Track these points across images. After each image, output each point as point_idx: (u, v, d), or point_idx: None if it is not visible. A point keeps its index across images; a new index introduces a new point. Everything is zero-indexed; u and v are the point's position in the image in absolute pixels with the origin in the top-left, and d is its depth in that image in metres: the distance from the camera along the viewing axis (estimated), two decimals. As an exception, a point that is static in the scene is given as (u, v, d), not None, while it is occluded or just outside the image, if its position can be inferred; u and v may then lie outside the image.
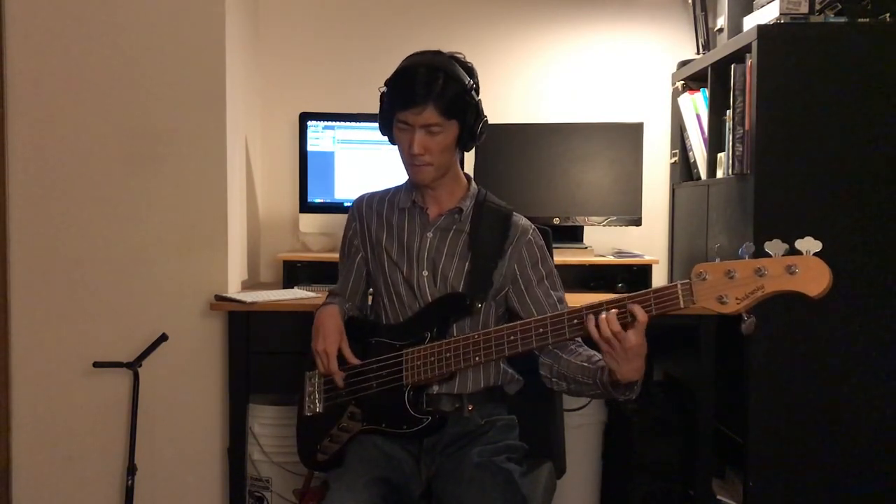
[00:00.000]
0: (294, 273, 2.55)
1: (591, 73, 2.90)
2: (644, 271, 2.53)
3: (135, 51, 2.34)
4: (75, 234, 2.37)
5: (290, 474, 2.40)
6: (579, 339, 1.64)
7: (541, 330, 1.54)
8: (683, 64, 2.76)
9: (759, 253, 1.35)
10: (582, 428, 2.53)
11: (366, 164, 2.63)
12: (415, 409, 1.66)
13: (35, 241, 2.37)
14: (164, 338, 2.33)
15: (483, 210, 1.73)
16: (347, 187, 2.62)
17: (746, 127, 2.20)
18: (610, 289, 2.52)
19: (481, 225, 1.72)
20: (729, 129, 2.30)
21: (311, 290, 2.41)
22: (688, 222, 2.72)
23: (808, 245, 1.31)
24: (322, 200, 2.64)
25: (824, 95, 2.14)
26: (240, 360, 2.32)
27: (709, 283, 1.38)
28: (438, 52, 1.66)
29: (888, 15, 2.16)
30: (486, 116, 1.69)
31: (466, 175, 1.79)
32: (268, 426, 2.44)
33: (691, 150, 2.68)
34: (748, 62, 2.19)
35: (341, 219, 1.91)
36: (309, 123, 2.61)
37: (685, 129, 2.71)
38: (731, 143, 2.28)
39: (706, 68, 2.49)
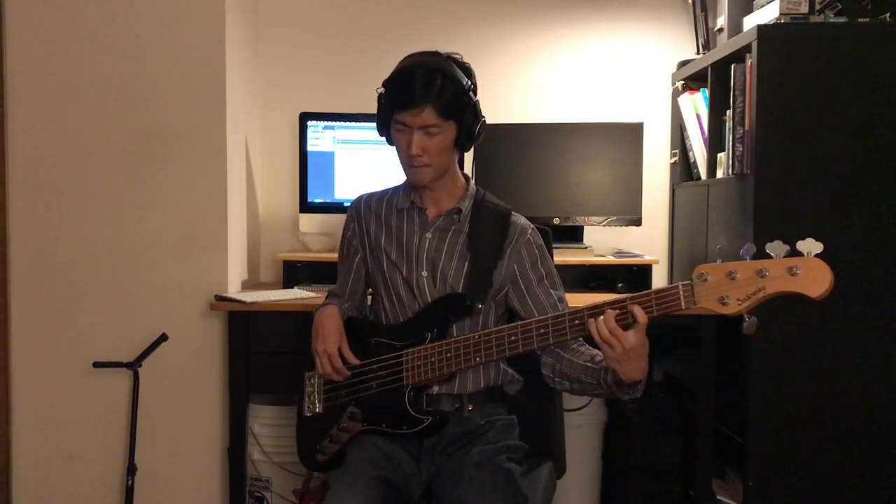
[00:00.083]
0: (294, 273, 2.55)
1: (591, 73, 2.90)
2: (644, 271, 2.54)
3: (135, 51, 2.34)
4: (75, 234, 2.37)
5: (290, 474, 2.40)
6: (581, 339, 1.64)
7: (542, 330, 1.54)
8: (683, 64, 2.76)
9: (761, 254, 1.35)
10: (582, 428, 2.53)
11: (366, 164, 2.63)
12: (415, 410, 1.66)
13: (35, 241, 2.37)
14: (164, 338, 2.33)
15: (482, 210, 1.73)
16: (347, 187, 2.62)
17: (746, 127, 2.20)
18: (610, 289, 2.52)
19: (480, 225, 1.72)
20: (729, 129, 2.30)
21: (311, 290, 2.40)
22: (688, 222, 2.72)
23: (810, 246, 1.31)
24: (322, 200, 2.64)
25: (824, 95, 2.14)
26: (240, 360, 2.32)
27: (710, 284, 1.38)
28: (436, 53, 1.66)
29: (888, 15, 2.17)
30: (484, 117, 1.69)
31: (465, 175, 1.79)
32: (268, 426, 2.45)
33: (691, 150, 2.69)
34: (748, 62, 2.19)
35: (341, 219, 1.91)
36: (309, 123, 2.61)
37: (685, 129, 2.71)
38: (731, 143, 2.28)
39: (706, 68, 2.49)
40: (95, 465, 2.40)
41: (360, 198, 1.85)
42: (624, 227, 2.72)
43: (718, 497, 2.36)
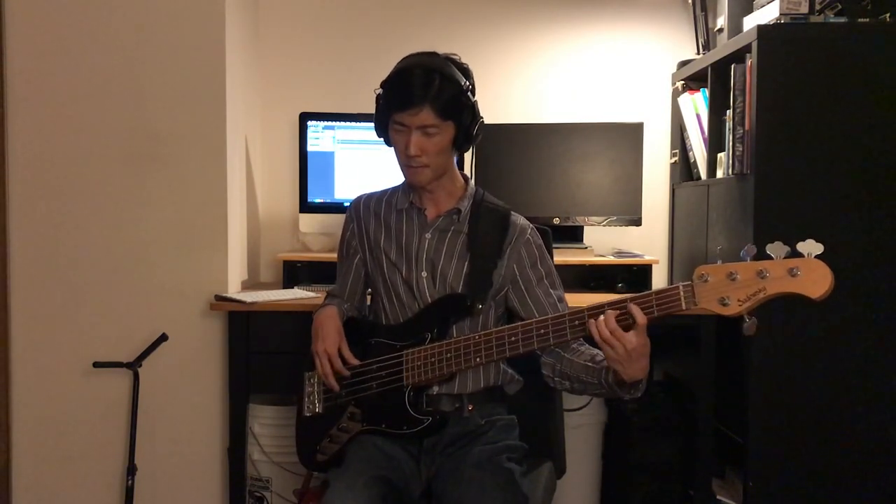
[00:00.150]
0: (294, 273, 2.55)
1: (591, 73, 2.90)
2: (644, 271, 2.53)
3: (135, 51, 2.34)
4: (75, 234, 2.37)
5: (290, 474, 2.40)
6: (581, 339, 1.64)
7: (542, 331, 1.54)
8: (683, 64, 2.76)
9: (761, 255, 1.36)
10: (582, 428, 2.53)
11: (366, 164, 2.63)
12: (415, 410, 1.66)
13: (35, 241, 2.37)
14: (164, 338, 2.33)
15: (481, 210, 1.73)
16: (347, 187, 2.62)
17: (746, 127, 2.20)
18: (610, 289, 2.52)
19: (479, 225, 1.72)
20: (729, 129, 2.30)
21: (311, 290, 2.40)
22: (688, 222, 2.72)
23: (810, 247, 1.31)
24: (322, 200, 2.64)
25: (824, 95, 2.14)
26: (240, 360, 2.32)
27: (711, 285, 1.39)
28: (434, 54, 1.66)
29: (888, 15, 2.17)
30: (482, 117, 1.69)
31: (464, 175, 1.79)
32: (268, 426, 2.45)
33: (691, 150, 2.68)
34: (748, 62, 2.19)
35: (341, 219, 1.91)
36: (309, 123, 2.61)
37: (685, 129, 2.71)
38: (731, 143, 2.28)
39: (706, 68, 2.49)
40: (95, 465, 2.40)
41: (359, 198, 1.85)
42: (624, 227, 2.72)
43: (718, 497, 2.36)
